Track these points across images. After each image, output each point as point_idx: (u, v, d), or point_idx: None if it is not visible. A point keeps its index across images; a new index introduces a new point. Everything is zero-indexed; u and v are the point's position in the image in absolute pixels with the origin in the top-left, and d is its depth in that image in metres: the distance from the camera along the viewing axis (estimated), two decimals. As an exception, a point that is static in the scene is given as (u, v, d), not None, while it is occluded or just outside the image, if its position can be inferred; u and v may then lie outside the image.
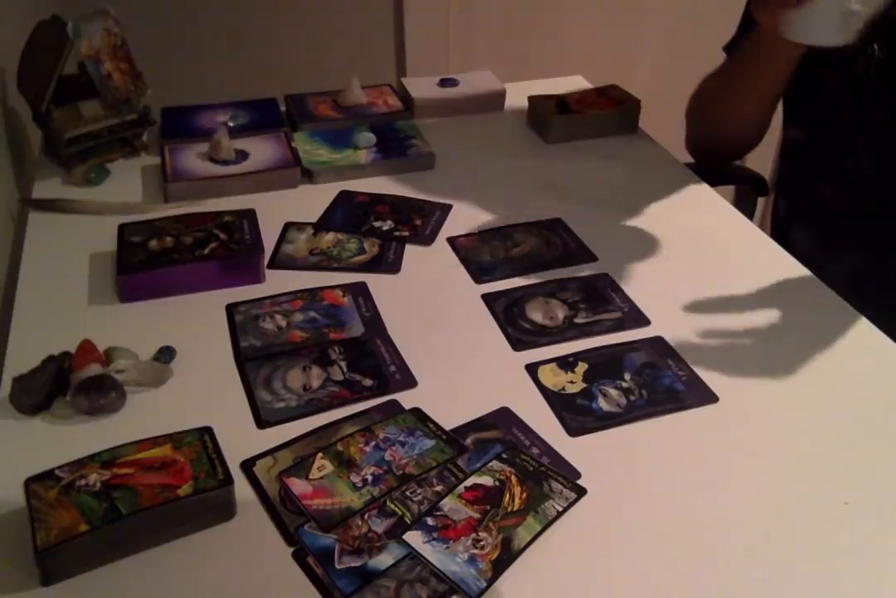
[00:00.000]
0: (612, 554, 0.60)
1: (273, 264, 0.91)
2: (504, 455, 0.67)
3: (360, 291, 0.87)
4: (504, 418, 0.71)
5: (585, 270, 0.91)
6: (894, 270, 1.05)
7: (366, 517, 0.61)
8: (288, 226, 0.97)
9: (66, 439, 0.68)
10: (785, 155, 1.17)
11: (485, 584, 0.57)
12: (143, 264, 0.85)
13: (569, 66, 1.45)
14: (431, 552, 0.59)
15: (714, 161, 1.20)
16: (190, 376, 0.76)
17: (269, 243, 0.93)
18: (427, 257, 0.93)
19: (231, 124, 1.14)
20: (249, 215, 0.94)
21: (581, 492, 0.64)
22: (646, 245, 0.95)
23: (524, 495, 0.63)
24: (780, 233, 1.18)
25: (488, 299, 0.86)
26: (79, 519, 0.57)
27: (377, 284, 0.88)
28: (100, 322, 0.81)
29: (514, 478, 0.65)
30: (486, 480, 0.64)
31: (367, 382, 0.75)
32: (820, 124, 1.06)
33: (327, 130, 1.14)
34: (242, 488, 0.64)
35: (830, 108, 1.02)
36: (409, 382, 0.75)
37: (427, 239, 0.95)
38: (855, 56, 0.96)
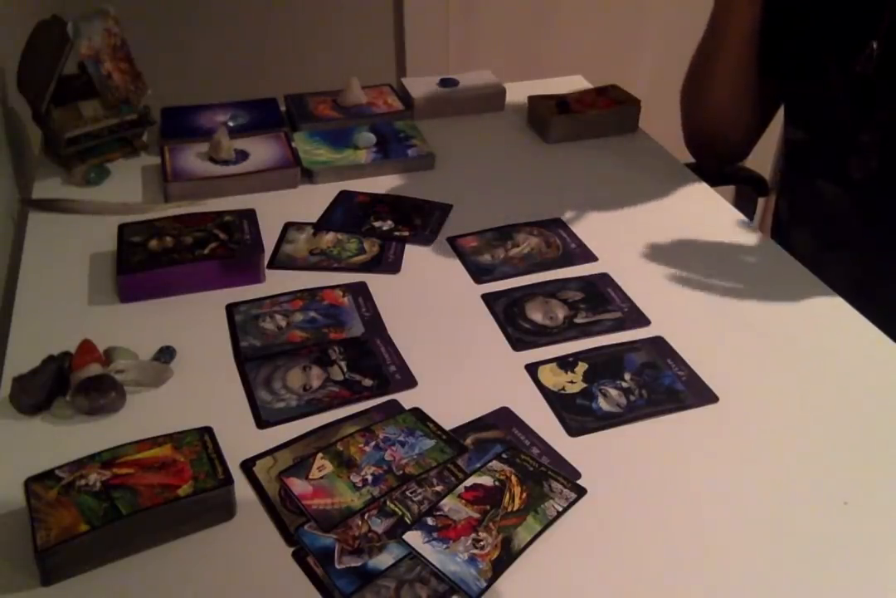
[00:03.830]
0: (612, 554, 0.60)
1: (273, 264, 0.91)
2: (504, 455, 0.67)
3: (360, 291, 0.87)
4: (504, 418, 0.71)
5: (585, 270, 0.91)
6: (895, 270, 1.05)
7: (366, 517, 0.61)
8: (288, 226, 0.97)
9: (66, 439, 0.68)
10: (786, 155, 1.17)
11: (485, 584, 0.57)
12: (143, 264, 0.85)
13: (569, 66, 1.45)
14: (431, 552, 0.59)
15: (712, 156, 1.19)
16: (190, 376, 0.76)
17: (269, 243, 0.93)
18: (427, 257, 0.93)
19: (231, 124, 1.14)
20: (249, 215, 0.94)
21: (581, 492, 0.64)
22: (646, 245, 0.95)
23: (524, 495, 0.63)
24: (781, 233, 1.18)
25: (488, 299, 0.86)
26: (79, 519, 0.57)
27: (377, 284, 0.88)
28: (100, 322, 0.81)
29: (514, 478, 0.65)
30: (486, 480, 0.64)
31: (367, 382, 0.75)
32: (821, 124, 1.06)
33: (327, 130, 1.14)
34: (242, 489, 0.64)
35: (832, 107, 1.02)
36: (409, 382, 0.75)
37: (427, 239, 0.95)
38: (854, 54, 0.96)
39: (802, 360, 0.78)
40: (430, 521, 0.61)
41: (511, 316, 0.84)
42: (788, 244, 0.98)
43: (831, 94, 1.01)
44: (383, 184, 1.06)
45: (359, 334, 0.81)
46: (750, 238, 0.97)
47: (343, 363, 0.77)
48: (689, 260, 0.92)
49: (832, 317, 0.84)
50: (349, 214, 1.00)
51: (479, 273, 0.90)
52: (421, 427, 0.69)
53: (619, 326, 0.82)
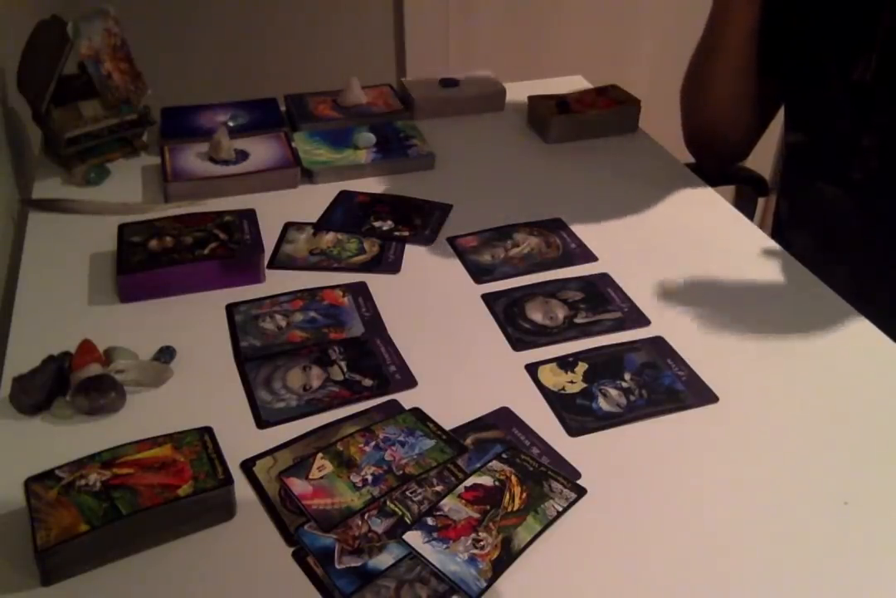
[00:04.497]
0: (612, 554, 0.60)
1: (273, 264, 0.91)
2: (504, 455, 0.67)
3: (360, 291, 0.87)
4: (504, 418, 0.71)
5: (585, 270, 0.91)
6: (894, 271, 1.05)
7: (366, 517, 0.61)
8: (288, 226, 0.97)
9: (66, 439, 0.68)
10: (786, 157, 1.17)
11: (485, 584, 0.57)
12: (143, 264, 0.85)
13: (569, 66, 1.45)
14: (431, 552, 0.59)
15: (712, 156, 1.19)
16: (190, 376, 0.76)
17: (269, 243, 0.93)
18: (427, 257, 0.93)
19: (231, 124, 1.14)
20: (249, 215, 0.94)
21: (581, 492, 0.64)
22: (646, 245, 0.95)
23: (524, 495, 0.63)
24: (781, 233, 1.18)
25: (488, 299, 0.86)
26: (79, 519, 0.57)
27: (377, 284, 0.88)
28: (100, 322, 0.81)
29: (514, 478, 0.65)
30: (486, 480, 0.64)
31: (367, 382, 0.75)
32: (821, 127, 1.06)
33: (327, 129, 1.14)
34: (242, 489, 0.64)
35: (832, 110, 1.02)
36: (409, 382, 0.75)
37: (427, 239, 0.95)
38: (854, 59, 0.96)
39: (802, 360, 0.78)
40: (430, 521, 0.61)
41: (511, 316, 0.84)
42: (788, 244, 0.98)
43: (831, 96, 1.01)
44: (383, 184, 1.06)
45: (359, 334, 0.81)
46: (750, 238, 0.97)
47: (343, 363, 0.77)
48: (688, 260, 0.92)
49: (832, 317, 0.84)
50: (349, 214, 1.00)
51: (479, 273, 0.90)
52: (421, 427, 0.69)
53: (619, 326, 0.82)
